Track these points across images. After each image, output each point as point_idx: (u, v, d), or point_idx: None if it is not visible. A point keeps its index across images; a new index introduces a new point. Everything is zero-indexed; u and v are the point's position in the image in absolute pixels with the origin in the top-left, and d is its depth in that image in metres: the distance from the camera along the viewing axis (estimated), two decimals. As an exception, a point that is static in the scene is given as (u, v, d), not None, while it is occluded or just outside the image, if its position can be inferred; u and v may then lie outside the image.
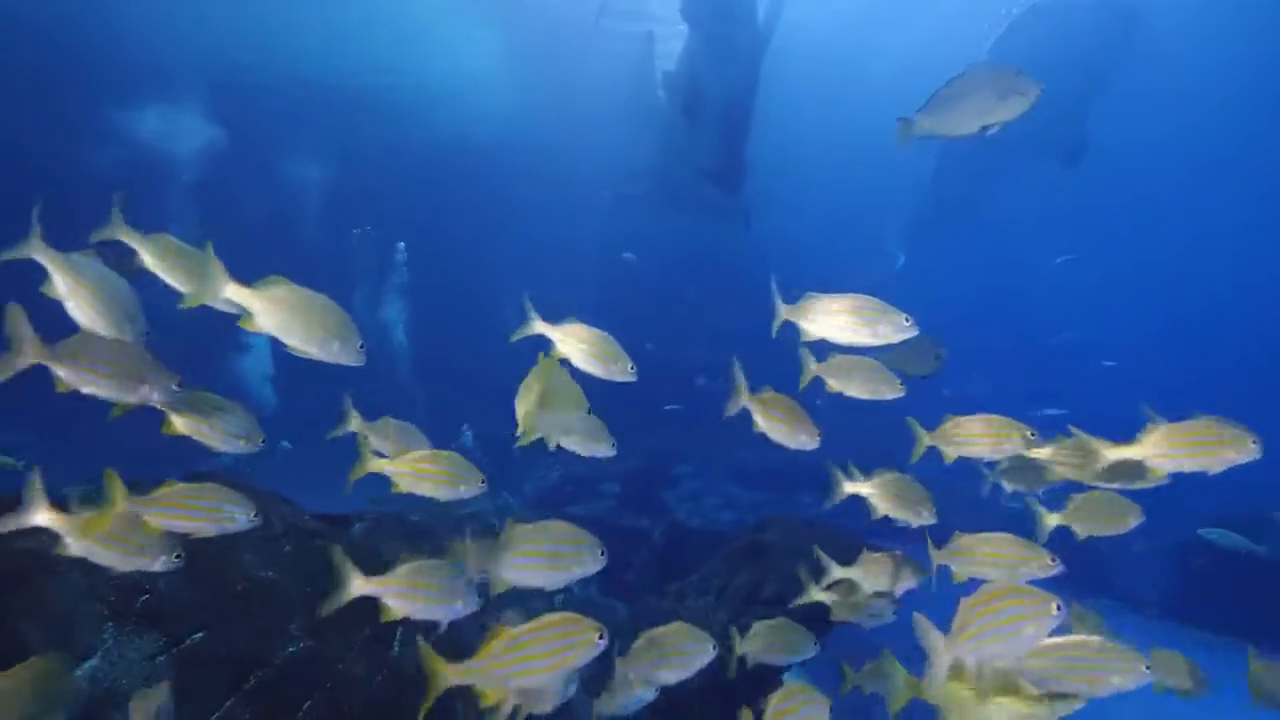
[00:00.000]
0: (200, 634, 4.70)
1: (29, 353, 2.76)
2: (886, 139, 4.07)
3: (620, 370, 3.71)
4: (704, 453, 19.47)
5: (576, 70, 24.13)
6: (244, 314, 2.89)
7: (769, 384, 4.27)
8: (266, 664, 4.99)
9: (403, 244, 22.24)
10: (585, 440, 4.06)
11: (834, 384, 4.26)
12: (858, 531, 9.50)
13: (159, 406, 3.23)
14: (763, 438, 4.31)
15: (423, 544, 10.13)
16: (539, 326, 3.71)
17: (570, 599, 13.15)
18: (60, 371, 2.90)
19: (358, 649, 6.07)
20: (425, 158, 22.72)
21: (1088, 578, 14.42)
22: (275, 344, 3.08)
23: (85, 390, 3.02)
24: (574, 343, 3.65)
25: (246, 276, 2.81)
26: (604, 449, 4.17)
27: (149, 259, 3.06)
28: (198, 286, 2.85)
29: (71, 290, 2.79)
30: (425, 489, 3.72)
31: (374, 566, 7.59)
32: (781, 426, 4.17)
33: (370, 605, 6.90)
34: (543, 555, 3.64)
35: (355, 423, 3.88)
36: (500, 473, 17.76)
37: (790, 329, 4.03)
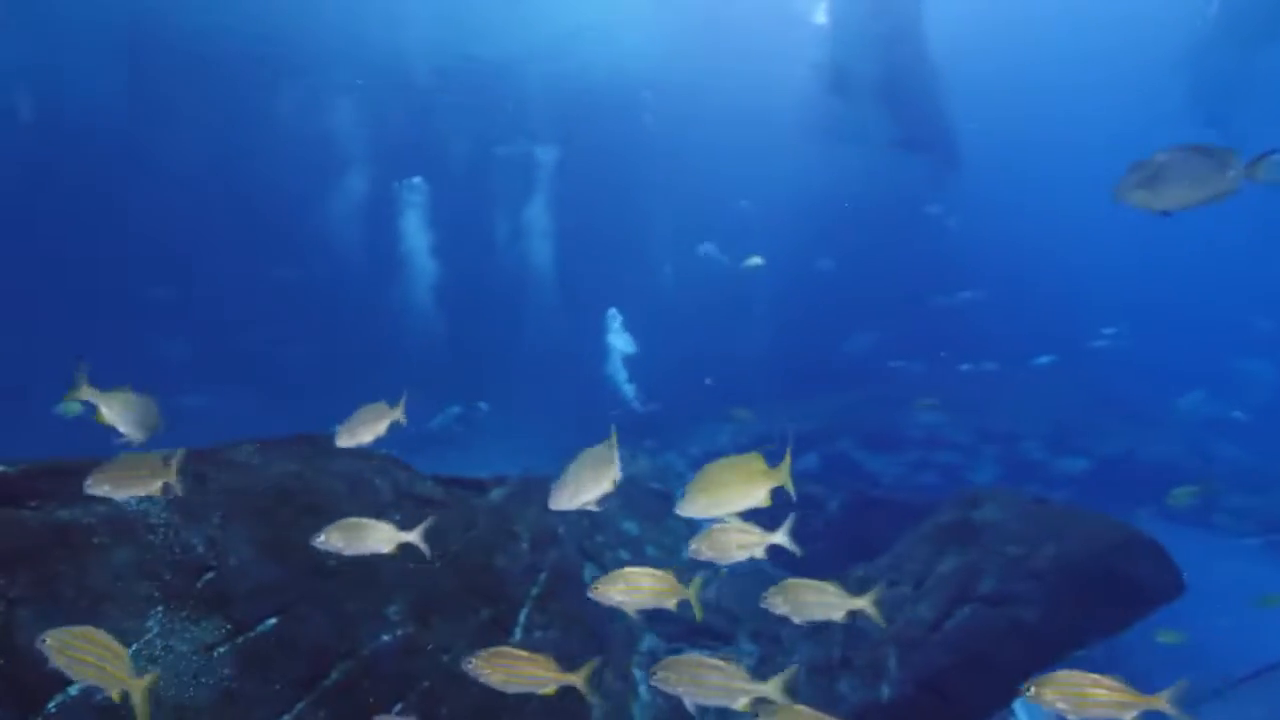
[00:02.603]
0: (274, 620, 4.01)
1: None
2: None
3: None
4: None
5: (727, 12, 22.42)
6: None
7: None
8: (352, 655, 4.22)
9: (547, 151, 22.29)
10: None
11: None
12: (1107, 514, 7.18)
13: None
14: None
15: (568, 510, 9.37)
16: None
17: (739, 568, 11.99)
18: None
19: (470, 636, 5.28)
20: (571, 99, 22.20)
21: None
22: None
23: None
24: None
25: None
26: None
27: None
28: None
29: None
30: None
31: (507, 529, 6.80)
32: None
33: (490, 581, 6.10)
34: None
35: (86, 391, 3.69)
36: (666, 431, 16.78)
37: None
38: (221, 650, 3.67)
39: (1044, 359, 17.93)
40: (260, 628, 3.93)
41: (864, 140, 22.61)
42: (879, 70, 20.17)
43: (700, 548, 3.54)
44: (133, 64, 17.62)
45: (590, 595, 3.40)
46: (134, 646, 3.34)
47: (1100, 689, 2.80)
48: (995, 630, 5.52)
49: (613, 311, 18.35)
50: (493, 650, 3.24)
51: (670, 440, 16.84)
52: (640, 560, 9.79)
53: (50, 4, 16.28)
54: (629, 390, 18.45)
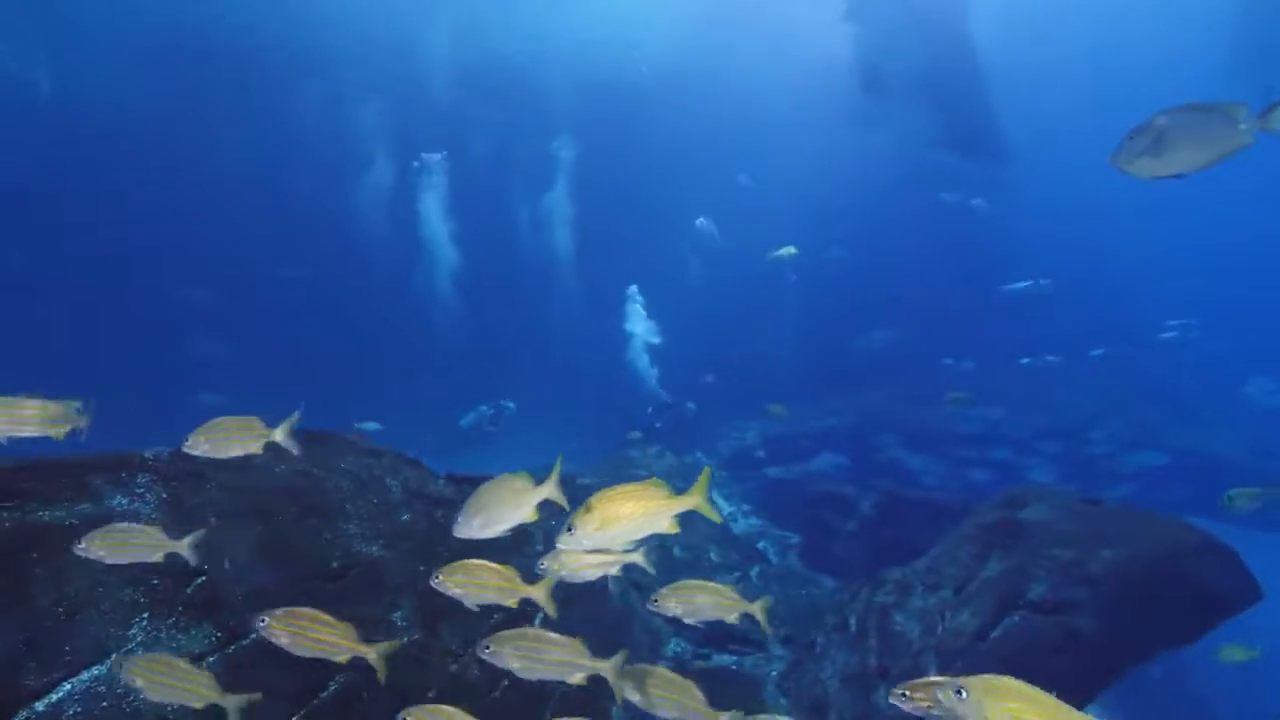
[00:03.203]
0: (269, 626, 3.76)
1: None
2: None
3: None
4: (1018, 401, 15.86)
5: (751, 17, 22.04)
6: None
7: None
8: (352, 665, 3.96)
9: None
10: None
11: None
12: (1168, 514, 6.66)
13: None
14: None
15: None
16: None
17: (769, 569, 11.57)
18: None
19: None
20: (593, 95, 21.98)
21: None
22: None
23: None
24: None
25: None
26: None
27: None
28: None
29: None
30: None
31: (522, 529, 6.54)
32: None
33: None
34: None
35: None
36: (693, 429, 16.39)
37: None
38: (210, 660, 3.45)
39: (1097, 351, 17.15)
40: (254, 635, 3.70)
41: (897, 133, 22.03)
42: (915, 67, 19.63)
43: (551, 566, 3.27)
44: (163, 67, 17.86)
45: (432, 584, 3.12)
46: (113, 656, 3.13)
47: None
48: (1047, 641, 5.09)
49: (633, 289, 17.67)
50: (289, 609, 2.99)
51: (697, 439, 16.47)
52: (667, 563, 9.47)
53: (81, 9, 16.53)
54: (654, 381, 17.94)
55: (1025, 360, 16.90)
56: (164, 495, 3.97)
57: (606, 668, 3.02)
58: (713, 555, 10.16)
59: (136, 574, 3.47)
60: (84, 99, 17.85)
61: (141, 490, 3.92)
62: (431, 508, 5.51)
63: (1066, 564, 5.47)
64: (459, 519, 2.98)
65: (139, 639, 3.27)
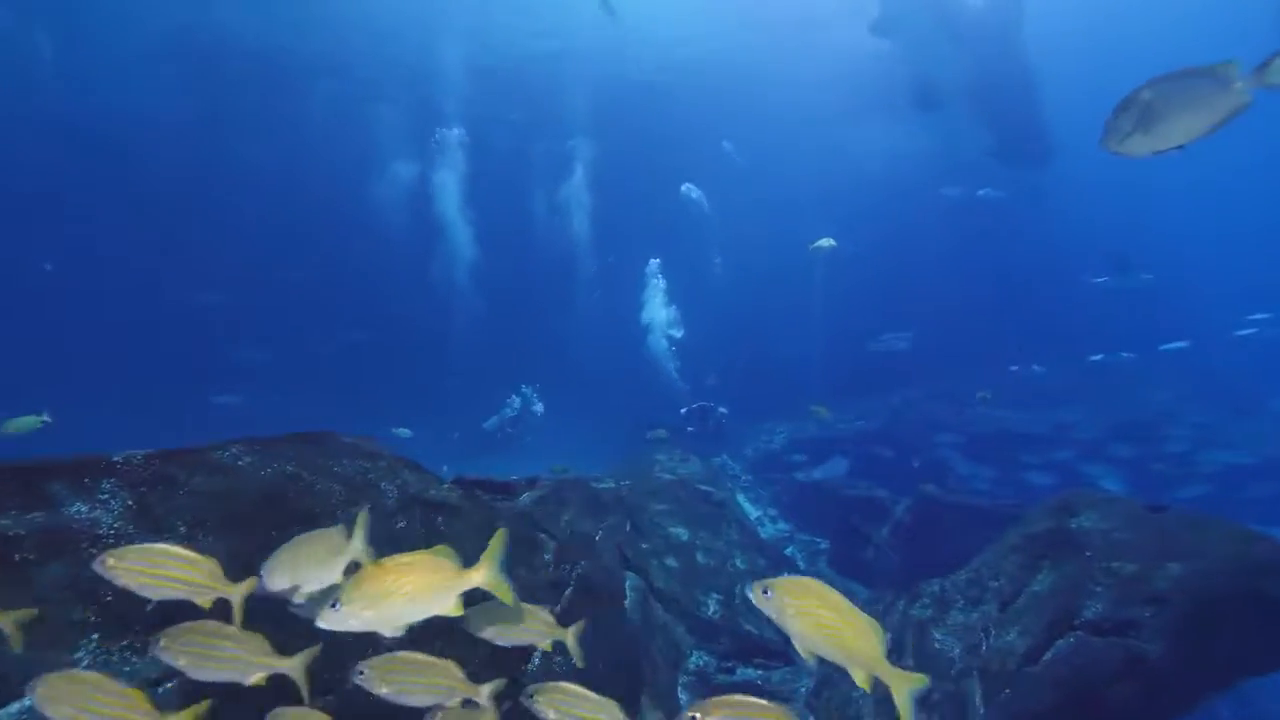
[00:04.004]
0: (238, 647, 3.44)
1: None
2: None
3: None
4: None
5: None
6: None
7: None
8: (332, 690, 3.64)
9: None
10: None
11: None
12: (1244, 524, 6.02)
13: None
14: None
15: (609, 515, 8.67)
16: None
17: (798, 575, 11.12)
18: None
19: (479, 662, 4.65)
20: (610, 93, 21.71)
21: None
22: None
23: None
24: None
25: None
26: None
27: None
28: None
29: None
30: None
31: (530, 538, 6.17)
32: None
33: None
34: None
35: None
36: (720, 434, 15.98)
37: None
38: (168, 686, 3.13)
39: (1171, 346, 16.33)
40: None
41: (942, 138, 21.48)
42: (963, 78, 19.14)
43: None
44: (177, 74, 18.09)
45: (96, 569, 2.64)
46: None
47: (768, 714, 2.60)
48: (1107, 666, 4.55)
49: (654, 265, 17.15)
50: None
51: (724, 442, 16.03)
52: (690, 569, 9.04)
53: (107, 26, 16.78)
54: (674, 371, 17.48)
55: (1097, 356, 16.21)
56: (130, 502, 3.68)
57: (293, 665, 2.77)
58: (738, 562, 9.73)
59: (87, 590, 3.17)
60: (98, 104, 18.12)
61: (105, 497, 3.64)
62: (431, 513, 5.17)
63: (1128, 579, 4.91)
64: (262, 573, 2.72)
65: (85, 662, 2.97)
